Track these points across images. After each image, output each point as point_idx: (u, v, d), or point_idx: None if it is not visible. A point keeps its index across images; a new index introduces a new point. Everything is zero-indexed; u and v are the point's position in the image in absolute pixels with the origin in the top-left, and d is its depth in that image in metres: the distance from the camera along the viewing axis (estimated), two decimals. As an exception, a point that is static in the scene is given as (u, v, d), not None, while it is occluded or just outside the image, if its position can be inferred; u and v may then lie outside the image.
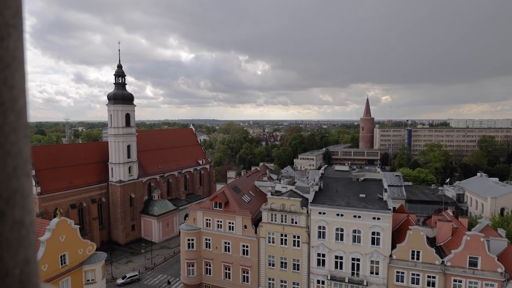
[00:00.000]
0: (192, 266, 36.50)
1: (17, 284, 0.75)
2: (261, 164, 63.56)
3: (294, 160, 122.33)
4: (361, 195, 32.46)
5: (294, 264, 33.15)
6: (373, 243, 30.25)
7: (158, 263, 49.84)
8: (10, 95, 0.73)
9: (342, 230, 31.12)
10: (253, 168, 56.54)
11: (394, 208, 31.99)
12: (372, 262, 30.42)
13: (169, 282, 43.59)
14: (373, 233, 30.17)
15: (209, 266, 36.55)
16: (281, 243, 33.36)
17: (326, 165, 53.95)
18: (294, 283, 33.35)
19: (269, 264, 34.00)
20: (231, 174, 65.88)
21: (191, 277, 36.56)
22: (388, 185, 39.53)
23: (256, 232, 34.29)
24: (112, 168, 56.78)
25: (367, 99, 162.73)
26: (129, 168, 57.80)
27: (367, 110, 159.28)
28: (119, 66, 60.08)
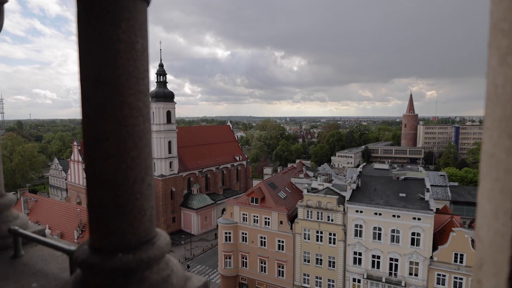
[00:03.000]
0: (229, 258, 37.85)
1: (148, 221, 1.30)
2: (297, 161, 63.49)
3: (332, 158, 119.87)
4: (401, 194, 31.31)
5: (329, 261, 32.98)
6: (412, 243, 29.11)
7: (197, 254, 52.25)
8: (146, 111, 1.26)
9: (380, 229, 30.31)
10: (289, 165, 56.70)
11: (437, 209, 30.45)
12: (411, 263, 29.31)
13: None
14: (413, 234, 29.03)
15: (245, 259, 37.64)
16: (317, 240, 33.34)
17: (364, 163, 52.48)
18: (329, 280, 33.21)
19: (304, 260, 34.17)
20: (267, 170, 66.67)
21: (228, 269, 37.94)
22: (431, 185, 37.54)
23: (291, 228, 34.61)
24: (154, 163, 60.32)
25: (411, 95, 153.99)
26: (170, 163, 60.96)
27: (411, 106, 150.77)
28: (161, 65, 63.22)
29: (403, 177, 35.45)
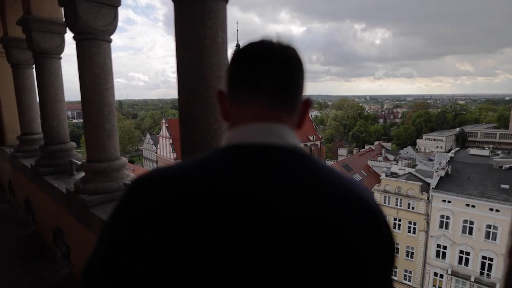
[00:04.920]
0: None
1: None
2: (376, 143, 59.84)
3: (417, 141, 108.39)
4: (503, 186, 26.92)
5: (407, 251, 30.93)
6: (515, 244, 25.07)
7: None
8: (221, 81, 1.54)
9: (471, 223, 26.88)
10: (367, 147, 53.80)
11: (553, 206, 25.38)
12: None
13: None
14: (516, 233, 24.94)
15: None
16: (394, 227, 31.45)
17: (458, 148, 46.29)
18: (405, 271, 31.31)
19: (379, 247, 32.75)
20: (342, 151, 64.55)
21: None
22: (548, 177, 31.14)
23: (365, 212, 33.30)
24: (232, 140, 64.04)
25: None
26: (246, 141, 63.74)
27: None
28: (237, 45, 64.91)
29: (508, 166, 30.26)
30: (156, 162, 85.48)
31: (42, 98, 4.08)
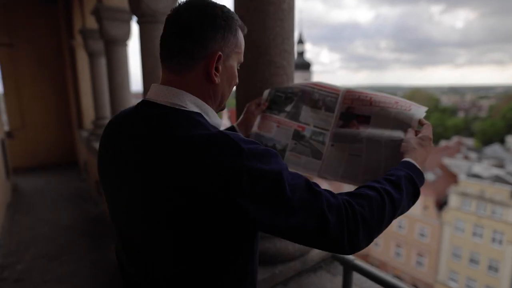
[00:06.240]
0: (360, 234, 36.75)
1: None
2: (455, 139, 53.64)
3: (507, 138, 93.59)
4: None
5: (490, 265, 27.05)
6: None
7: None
8: (290, 70, 1.24)
9: None
10: (443, 143, 48.42)
11: None
12: None
13: None
14: None
15: (378, 239, 35.71)
16: (473, 236, 27.74)
17: None
18: (487, 287, 27.45)
19: (453, 255, 29.31)
20: (412, 147, 59.48)
21: (358, 244, 37.08)
22: None
23: (439, 216, 30.03)
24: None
25: None
26: (306, 132, 62.55)
27: None
28: (299, 35, 63.77)
29: None
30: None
31: (110, 84, 4.25)
